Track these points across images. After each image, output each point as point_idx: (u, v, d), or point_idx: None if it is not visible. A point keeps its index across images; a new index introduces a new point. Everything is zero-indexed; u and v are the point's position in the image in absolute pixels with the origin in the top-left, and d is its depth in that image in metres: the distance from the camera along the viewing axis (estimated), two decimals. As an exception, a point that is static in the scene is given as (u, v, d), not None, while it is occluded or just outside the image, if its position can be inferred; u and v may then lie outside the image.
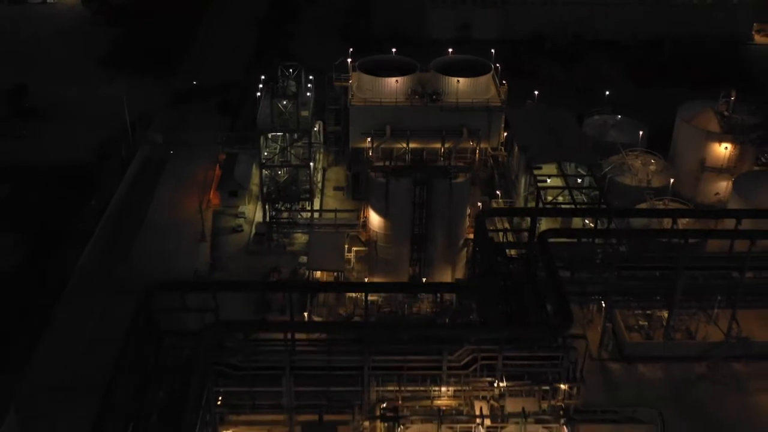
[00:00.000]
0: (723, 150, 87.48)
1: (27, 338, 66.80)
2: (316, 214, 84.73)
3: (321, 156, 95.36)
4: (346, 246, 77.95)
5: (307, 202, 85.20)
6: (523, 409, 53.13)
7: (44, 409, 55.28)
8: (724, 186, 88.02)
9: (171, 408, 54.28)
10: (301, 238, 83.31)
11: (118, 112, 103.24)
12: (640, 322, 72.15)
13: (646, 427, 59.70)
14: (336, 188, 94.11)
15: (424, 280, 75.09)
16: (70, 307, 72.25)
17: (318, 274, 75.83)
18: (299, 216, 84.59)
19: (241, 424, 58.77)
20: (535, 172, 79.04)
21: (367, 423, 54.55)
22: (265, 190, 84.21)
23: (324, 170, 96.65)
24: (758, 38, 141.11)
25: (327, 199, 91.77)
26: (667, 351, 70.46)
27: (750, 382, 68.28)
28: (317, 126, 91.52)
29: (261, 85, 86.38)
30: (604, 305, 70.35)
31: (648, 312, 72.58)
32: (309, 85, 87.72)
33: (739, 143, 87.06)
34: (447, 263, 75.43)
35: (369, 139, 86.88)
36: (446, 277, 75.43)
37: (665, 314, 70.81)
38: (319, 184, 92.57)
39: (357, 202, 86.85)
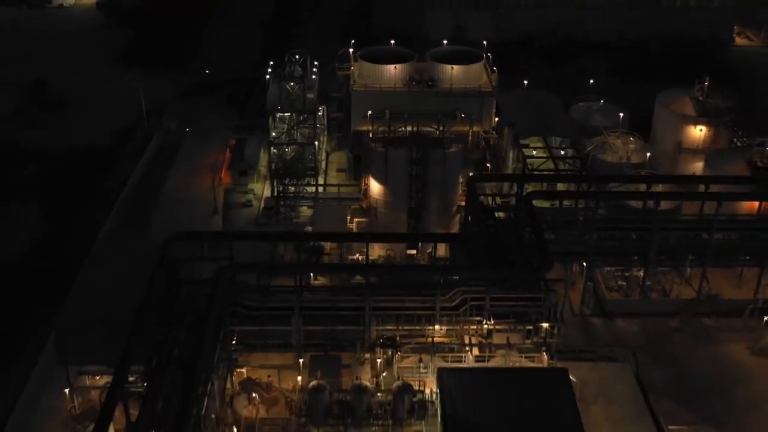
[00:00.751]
0: (698, 132, 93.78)
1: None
2: (320, 189, 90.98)
3: (324, 139, 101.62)
4: (348, 217, 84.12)
5: (312, 178, 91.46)
6: (507, 339, 59.13)
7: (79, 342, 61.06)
8: (699, 166, 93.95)
9: (190, 345, 60.15)
10: (306, 211, 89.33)
11: (133, 104, 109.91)
12: (619, 282, 78.20)
13: (621, 365, 65.74)
14: (339, 170, 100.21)
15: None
16: (94, 267, 78.14)
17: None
18: (305, 191, 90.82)
19: (254, 364, 64.69)
20: (523, 148, 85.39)
21: (368, 354, 60.42)
22: (273, 166, 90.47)
23: (327, 154, 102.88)
24: (739, 40, 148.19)
25: (330, 179, 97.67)
26: (644, 307, 76.50)
27: (718, 335, 74.15)
28: (321, 110, 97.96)
29: (270, 70, 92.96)
30: (585, 266, 76.68)
31: (626, 274, 78.86)
32: (314, 70, 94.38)
33: (713, 126, 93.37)
34: (441, 229, 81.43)
35: (369, 113, 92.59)
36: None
37: (641, 274, 77.10)
38: (323, 164, 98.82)
39: (359, 181, 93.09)
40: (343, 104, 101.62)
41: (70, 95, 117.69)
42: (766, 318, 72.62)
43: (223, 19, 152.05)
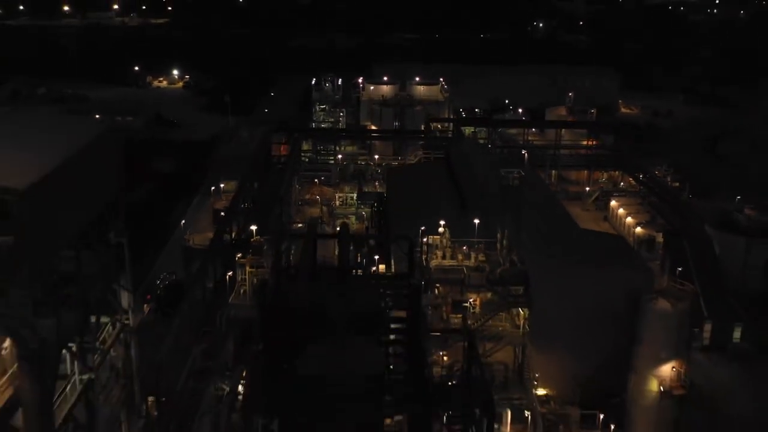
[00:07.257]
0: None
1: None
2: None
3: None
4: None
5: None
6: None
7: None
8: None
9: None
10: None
11: (217, 124, 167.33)
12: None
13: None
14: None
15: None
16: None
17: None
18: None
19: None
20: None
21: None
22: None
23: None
24: (623, 109, 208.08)
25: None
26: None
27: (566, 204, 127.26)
28: (342, 112, 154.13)
29: (313, 83, 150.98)
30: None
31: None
32: (339, 83, 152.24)
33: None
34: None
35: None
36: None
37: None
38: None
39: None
40: (355, 113, 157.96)
41: (178, 120, 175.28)
42: (589, 188, 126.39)
43: (275, 87, 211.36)
